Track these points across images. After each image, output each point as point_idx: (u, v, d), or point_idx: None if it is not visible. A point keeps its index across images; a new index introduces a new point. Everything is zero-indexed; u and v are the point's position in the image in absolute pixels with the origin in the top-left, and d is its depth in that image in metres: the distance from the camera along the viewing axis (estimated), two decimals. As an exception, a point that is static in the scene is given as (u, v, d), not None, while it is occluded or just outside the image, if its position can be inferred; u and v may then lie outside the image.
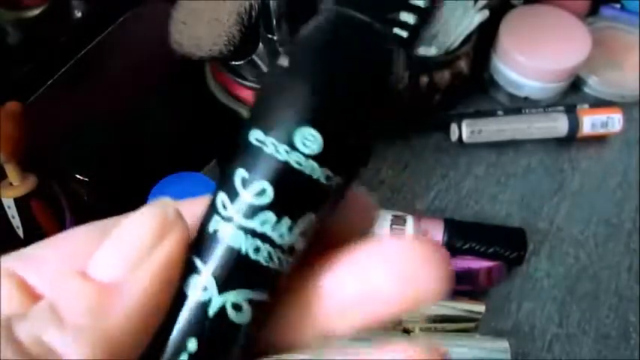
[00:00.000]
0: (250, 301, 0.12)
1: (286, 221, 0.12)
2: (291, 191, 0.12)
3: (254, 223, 0.12)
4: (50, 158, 0.38)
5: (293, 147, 0.12)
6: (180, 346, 0.12)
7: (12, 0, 0.43)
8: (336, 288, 0.13)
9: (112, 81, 0.40)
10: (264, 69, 0.38)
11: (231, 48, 0.33)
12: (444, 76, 0.51)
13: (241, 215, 0.12)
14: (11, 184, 0.39)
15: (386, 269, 0.12)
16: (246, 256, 0.12)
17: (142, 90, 0.39)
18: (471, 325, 0.45)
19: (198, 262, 0.12)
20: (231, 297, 0.12)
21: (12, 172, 0.38)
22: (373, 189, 0.50)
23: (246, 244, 0.12)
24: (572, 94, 0.56)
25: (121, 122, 0.38)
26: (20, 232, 0.41)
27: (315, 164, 0.12)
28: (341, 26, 0.12)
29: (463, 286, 0.46)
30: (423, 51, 0.48)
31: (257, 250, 0.12)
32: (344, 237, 0.13)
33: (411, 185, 0.52)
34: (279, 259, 0.12)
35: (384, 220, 0.47)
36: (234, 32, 0.33)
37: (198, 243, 0.12)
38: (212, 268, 0.12)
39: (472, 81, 0.53)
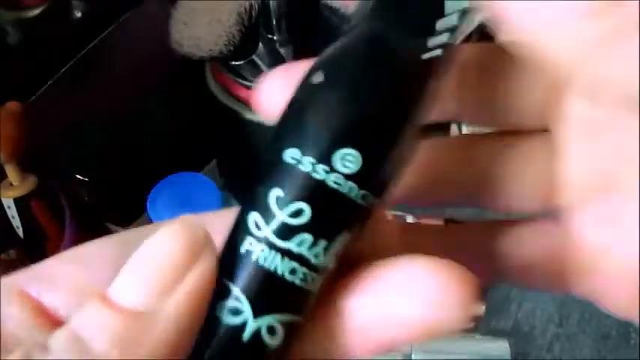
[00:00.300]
0: (284, 324, 0.12)
1: (323, 242, 0.12)
2: (328, 212, 0.12)
3: (290, 244, 0.12)
4: (50, 158, 0.38)
5: (332, 167, 0.12)
6: None
7: (12, 0, 0.43)
8: (358, 309, 0.13)
9: (112, 81, 0.40)
10: (264, 69, 0.39)
11: (231, 48, 0.33)
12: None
13: (277, 236, 0.12)
14: (11, 184, 0.39)
15: (410, 293, 0.12)
16: (282, 277, 0.12)
17: (142, 90, 0.39)
18: (471, 325, 0.44)
19: (230, 285, 0.12)
20: (267, 320, 0.12)
21: (12, 172, 0.38)
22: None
23: (282, 266, 0.12)
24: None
25: (121, 122, 0.38)
26: (20, 232, 0.41)
27: (353, 184, 0.12)
28: (378, 43, 0.12)
29: (463, 286, 0.46)
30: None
31: (293, 271, 0.12)
32: (367, 255, 0.13)
33: (411, 185, 0.52)
34: (313, 279, 0.12)
35: (384, 220, 0.47)
36: (234, 32, 0.33)
37: (229, 264, 0.12)
38: (246, 291, 0.12)
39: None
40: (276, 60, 0.40)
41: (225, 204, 0.35)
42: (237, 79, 0.39)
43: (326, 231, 0.12)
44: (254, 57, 0.37)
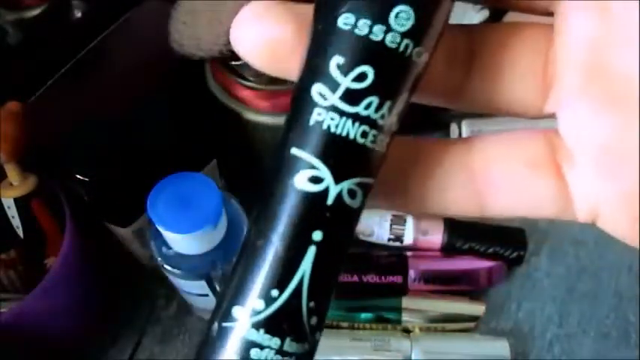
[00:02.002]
0: (361, 185, 0.13)
1: (388, 102, 0.12)
2: (390, 72, 0.12)
3: (359, 109, 0.12)
4: (50, 158, 0.38)
5: (388, 26, 0.12)
6: (306, 240, 0.12)
7: (12, 0, 0.43)
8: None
9: (112, 81, 0.40)
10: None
11: (232, 48, 0.33)
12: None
13: (344, 102, 0.12)
14: (11, 184, 0.39)
15: None
16: (354, 141, 0.12)
17: (142, 90, 0.39)
18: (471, 325, 0.45)
19: (307, 157, 0.12)
20: (347, 184, 0.12)
21: (12, 172, 0.38)
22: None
23: (353, 130, 0.12)
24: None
25: (121, 122, 0.38)
26: (20, 232, 0.41)
27: (409, 41, 0.12)
28: None
29: (463, 286, 0.46)
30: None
31: (364, 134, 0.12)
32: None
33: (411, 185, 0.52)
34: (381, 140, 0.13)
35: (383, 221, 0.47)
36: (234, 32, 0.33)
37: (303, 138, 0.12)
38: (324, 159, 0.12)
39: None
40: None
41: (225, 204, 0.35)
42: (237, 79, 0.39)
43: (390, 91, 0.12)
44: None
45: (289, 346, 0.12)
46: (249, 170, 0.49)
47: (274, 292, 0.12)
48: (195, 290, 0.39)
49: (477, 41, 0.14)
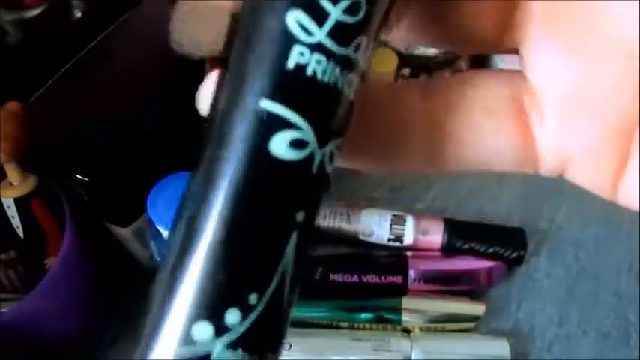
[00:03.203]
0: (339, 147, 0.10)
1: (372, 44, 0.10)
2: (378, 5, 0.10)
3: (349, 50, 0.10)
4: (50, 158, 0.38)
5: None
6: (290, 225, 0.10)
7: (12, 0, 0.43)
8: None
9: (112, 81, 0.40)
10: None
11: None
12: (444, 76, 0.51)
13: (334, 41, 0.09)
14: (11, 184, 0.39)
15: None
16: (341, 92, 0.10)
17: (142, 90, 0.39)
18: (471, 325, 0.45)
19: (287, 114, 0.09)
20: (330, 148, 0.10)
21: (12, 172, 0.38)
22: (373, 189, 0.50)
23: (341, 79, 0.10)
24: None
25: (121, 122, 0.38)
26: (20, 232, 0.41)
27: None
28: None
29: (463, 286, 0.46)
30: (423, 51, 0.48)
31: (350, 84, 0.10)
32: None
33: (411, 185, 0.52)
34: (356, 90, 0.10)
35: (383, 221, 0.47)
36: (234, 32, 0.33)
37: (278, 86, 0.09)
38: (309, 116, 0.09)
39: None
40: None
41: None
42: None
43: (375, 28, 0.10)
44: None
45: None
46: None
47: (253, 297, 0.09)
48: (195, 290, 0.39)
49: None
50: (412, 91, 0.13)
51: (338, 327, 0.44)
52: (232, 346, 0.09)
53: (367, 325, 0.44)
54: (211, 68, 0.42)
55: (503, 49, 0.13)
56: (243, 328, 0.09)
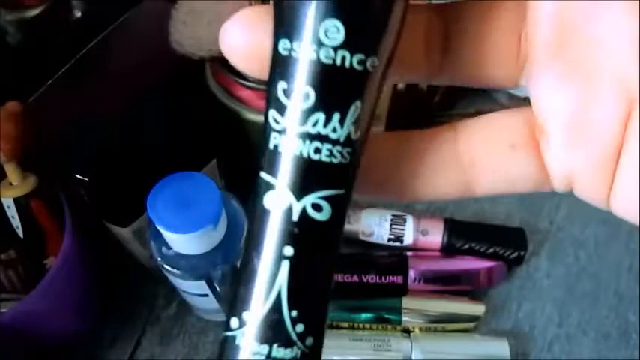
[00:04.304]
0: (327, 198, 0.13)
1: (337, 116, 0.13)
2: (331, 86, 0.13)
3: (307, 127, 0.13)
4: (50, 158, 0.38)
5: (320, 43, 0.12)
6: (279, 256, 0.13)
7: (12, 0, 0.43)
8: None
9: (112, 81, 0.40)
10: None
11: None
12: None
13: (293, 123, 0.13)
14: (11, 184, 0.39)
15: None
16: (309, 158, 0.13)
17: (142, 90, 0.39)
18: (471, 325, 0.45)
19: (270, 179, 0.13)
20: (309, 200, 0.13)
21: (12, 172, 0.38)
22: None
23: (306, 149, 0.13)
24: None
25: (121, 122, 0.38)
26: (20, 232, 0.41)
27: (345, 52, 0.12)
28: None
29: (463, 286, 0.46)
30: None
31: (317, 150, 0.13)
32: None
33: (411, 185, 0.52)
34: (340, 153, 0.13)
35: (383, 221, 0.47)
36: (234, 32, 0.33)
37: (265, 161, 0.13)
38: (283, 179, 0.13)
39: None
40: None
41: (225, 204, 0.35)
42: (237, 79, 0.39)
43: (335, 105, 0.13)
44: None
45: (277, 351, 0.13)
46: (249, 170, 0.49)
47: (257, 305, 0.13)
48: (195, 290, 0.39)
49: (453, 20, 0.15)
50: (440, 135, 0.16)
51: (338, 327, 0.44)
52: (246, 335, 0.13)
53: (367, 325, 0.44)
54: (211, 68, 0.42)
55: (520, 85, 0.15)
56: (252, 324, 0.13)
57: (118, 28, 0.42)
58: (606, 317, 0.47)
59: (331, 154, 0.13)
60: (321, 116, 0.13)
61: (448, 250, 0.47)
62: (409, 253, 0.46)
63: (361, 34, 0.12)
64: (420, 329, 0.44)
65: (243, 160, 0.47)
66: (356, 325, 0.44)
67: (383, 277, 0.45)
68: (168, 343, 0.46)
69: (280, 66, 0.13)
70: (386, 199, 0.16)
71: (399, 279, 0.45)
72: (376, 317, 0.44)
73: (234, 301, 0.14)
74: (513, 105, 0.60)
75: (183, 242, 0.34)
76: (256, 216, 0.13)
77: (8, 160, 0.37)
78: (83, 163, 0.37)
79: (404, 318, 0.43)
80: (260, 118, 0.41)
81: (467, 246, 0.46)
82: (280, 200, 0.13)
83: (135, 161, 0.38)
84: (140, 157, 0.38)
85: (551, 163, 0.15)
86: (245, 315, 0.13)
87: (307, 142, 0.13)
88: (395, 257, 0.46)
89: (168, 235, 0.34)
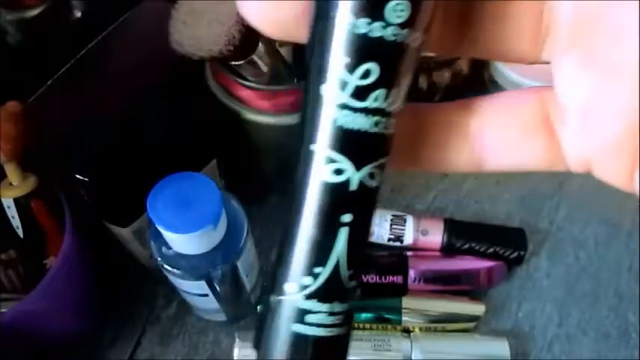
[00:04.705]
0: (378, 166, 0.14)
1: (394, 91, 0.13)
2: (392, 63, 0.13)
3: (368, 102, 0.13)
4: (50, 158, 0.38)
5: (386, 21, 0.12)
6: (338, 223, 0.14)
7: (12, 0, 0.43)
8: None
9: (112, 81, 0.40)
10: (264, 69, 0.38)
11: (231, 48, 0.33)
12: (444, 75, 0.51)
13: (354, 99, 0.13)
14: (11, 184, 0.39)
15: None
16: (367, 132, 0.13)
17: (142, 90, 0.39)
18: (471, 325, 0.45)
19: (328, 152, 0.13)
20: (366, 170, 0.14)
21: (12, 172, 0.38)
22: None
23: (366, 123, 0.13)
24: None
25: (121, 122, 0.38)
26: (20, 232, 0.41)
27: (407, 30, 0.13)
28: None
29: (463, 286, 0.46)
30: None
31: (376, 124, 0.13)
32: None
33: (411, 185, 0.52)
34: (391, 124, 0.14)
35: (383, 221, 0.47)
36: (234, 32, 0.33)
37: (320, 135, 0.13)
38: (344, 152, 0.13)
39: (472, 81, 0.54)
40: (276, 60, 0.40)
41: (225, 204, 0.35)
42: (237, 79, 0.39)
43: (394, 80, 0.13)
44: (254, 57, 0.37)
45: (336, 307, 0.14)
46: (249, 170, 0.49)
47: (318, 269, 0.14)
48: (195, 290, 0.39)
49: None
50: (453, 111, 0.16)
51: (338, 327, 0.44)
52: (308, 297, 0.14)
53: (367, 325, 0.44)
54: (211, 68, 0.42)
55: (540, 61, 0.15)
56: (313, 287, 0.14)
57: (118, 28, 0.42)
58: (606, 317, 0.47)
59: (386, 126, 0.14)
60: (382, 91, 0.13)
61: (448, 250, 0.47)
62: (409, 253, 0.46)
63: (422, 12, 0.13)
64: (420, 329, 0.44)
65: (243, 160, 0.47)
66: (356, 325, 0.44)
67: (383, 277, 0.45)
68: (168, 343, 0.46)
69: (341, 42, 0.13)
70: (401, 169, 0.16)
71: (399, 279, 0.45)
72: (376, 317, 0.44)
73: (287, 267, 0.14)
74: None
75: (183, 242, 0.34)
76: (309, 188, 0.14)
77: (8, 160, 0.37)
78: (83, 163, 0.37)
79: (404, 318, 0.43)
80: (260, 118, 0.41)
81: (467, 246, 0.46)
82: (340, 172, 0.14)
83: (135, 161, 0.38)
84: (140, 157, 0.38)
85: (566, 144, 0.15)
86: (305, 279, 0.14)
87: (369, 116, 0.13)
88: (395, 257, 0.46)
89: (168, 235, 0.34)
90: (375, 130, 0.13)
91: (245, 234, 0.37)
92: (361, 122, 0.13)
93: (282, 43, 0.41)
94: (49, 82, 0.40)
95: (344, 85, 0.13)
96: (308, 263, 0.14)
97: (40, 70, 0.41)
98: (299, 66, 0.42)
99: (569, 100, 0.14)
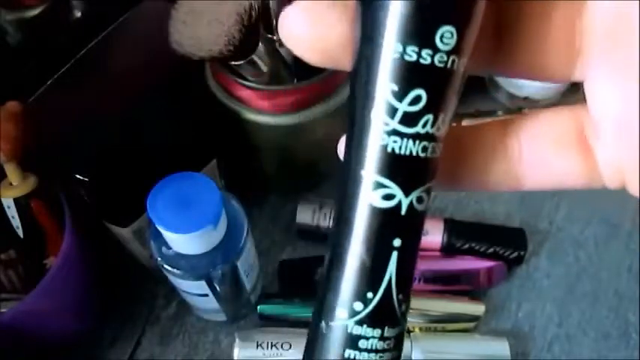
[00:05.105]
0: (426, 191, 0.14)
1: (441, 115, 0.14)
2: (441, 89, 0.13)
3: (417, 128, 0.13)
4: (50, 158, 0.38)
5: (435, 48, 0.13)
6: (389, 248, 0.14)
7: (12, 0, 0.43)
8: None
9: (112, 81, 0.40)
10: (264, 69, 0.38)
11: (231, 48, 0.33)
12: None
13: (403, 125, 0.13)
14: (11, 184, 0.39)
15: None
16: (417, 157, 0.14)
17: (142, 90, 0.39)
18: (471, 325, 0.45)
19: (378, 178, 0.14)
20: (415, 194, 0.14)
21: (12, 172, 0.38)
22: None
23: (415, 148, 0.13)
24: (572, 93, 0.56)
25: (121, 122, 0.38)
26: (20, 232, 0.41)
27: (455, 57, 0.13)
28: None
29: (463, 286, 0.46)
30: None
31: (425, 149, 0.14)
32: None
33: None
34: (438, 148, 0.14)
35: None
36: (234, 32, 0.33)
37: (370, 161, 0.14)
38: (393, 177, 0.14)
39: (472, 81, 0.53)
40: (276, 60, 0.40)
41: (225, 204, 0.35)
42: (237, 79, 0.39)
43: (442, 106, 0.14)
44: (254, 57, 0.37)
45: (388, 332, 0.14)
46: (249, 170, 0.49)
47: (369, 295, 0.14)
48: (195, 290, 0.39)
49: (506, 11, 0.15)
50: (491, 131, 0.16)
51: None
52: (359, 323, 0.14)
53: (367, 325, 0.44)
54: (211, 68, 0.42)
55: (572, 80, 0.15)
56: (365, 313, 0.14)
57: (118, 28, 0.42)
58: (606, 317, 0.47)
59: (433, 151, 0.14)
60: (430, 117, 0.13)
61: (448, 250, 0.47)
62: (409, 253, 0.46)
63: (469, 38, 0.13)
64: (420, 329, 0.44)
65: (243, 160, 0.47)
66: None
67: (383, 277, 0.45)
68: (168, 343, 0.46)
69: (390, 69, 0.13)
70: (442, 189, 0.16)
71: (399, 279, 0.45)
72: (376, 317, 0.44)
73: (337, 293, 0.14)
74: (513, 105, 0.60)
75: (183, 242, 0.34)
76: (358, 213, 0.14)
77: (8, 160, 0.37)
78: (83, 163, 0.37)
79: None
80: (260, 118, 0.41)
81: (467, 246, 0.46)
82: (390, 197, 0.14)
83: (135, 161, 0.38)
84: (140, 157, 0.38)
85: (601, 159, 0.15)
86: (356, 305, 0.14)
87: (417, 141, 0.13)
88: (395, 257, 0.46)
89: (168, 235, 0.34)
90: (424, 155, 0.14)
91: (245, 234, 0.37)
92: (410, 148, 0.13)
93: (282, 43, 0.41)
94: (49, 82, 0.40)
95: (393, 111, 0.13)
96: (359, 289, 0.14)
97: (40, 70, 0.41)
98: (299, 66, 0.42)
99: (603, 114, 0.14)
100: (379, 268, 0.14)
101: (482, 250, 0.46)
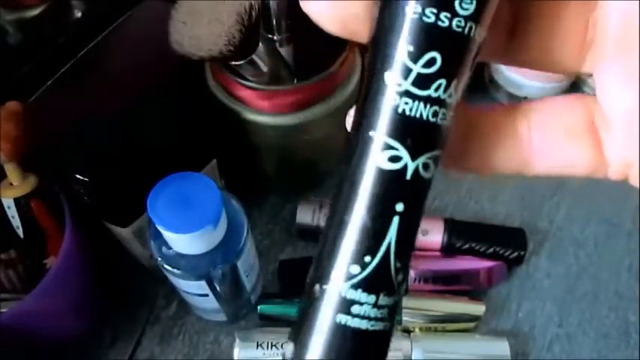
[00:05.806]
0: (433, 158, 0.14)
1: (454, 82, 0.14)
2: (456, 54, 0.13)
3: (429, 91, 0.13)
4: (50, 158, 0.38)
5: (454, 12, 0.13)
6: (391, 212, 0.14)
7: (12, 0, 0.43)
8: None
9: (112, 81, 0.40)
10: (264, 69, 0.38)
11: (231, 48, 0.33)
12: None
13: (416, 87, 0.13)
14: (11, 184, 0.39)
15: None
16: (427, 121, 0.14)
17: (142, 90, 0.39)
18: (471, 325, 0.45)
19: (386, 139, 0.14)
20: (422, 160, 0.14)
21: (12, 172, 0.38)
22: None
23: (426, 112, 0.13)
24: (572, 93, 0.56)
25: (121, 122, 0.38)
26: (20, 232, 0.41)
27: (473, 23, 0.13)
28: None
29: (463, 286, 0.46)
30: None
31: (435, 114, 0.14)
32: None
33: (411, 185, 0.52)
34: (449, 116, 0.14)
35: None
36: (234, 32, 0.33)
37: (379, 122, 0.14)
38: (402, 140, 0.14)
39: (472, 81, 0.53)
40: (276, 60, 0.40)
41: (225, 204, 0.35)
42: (237, 79, 0.39)
43: (456, 72, 0.14)
44: (254, 57, 0.37)
45: (382, 300, 0.14)
46: (249, 170, 0.49)
47: (367, 258, 0.14)
48: (195, 290, 0.39)
49: (520, 4, 0.15)
50: (501, 113, 0.16)
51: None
52: (355, 287, 0.14)
53: (367, 325, 0.44)
54: (211, 68, 0.42)
55: (582, 72, 0.15)
56: (361, 277, 0.14)
57: (118, 28, 0.42)
58: (606, 317, 0.47)
59: (444, 117, 0.14)
60: (443, 82, 0.13)
61: (448, 250, 0.47)
62: (409, 253, 0.46)
63: (487, 7, 0.13)
64: (420, 329, 0.44)
65: (243, 160, 0.47)
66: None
67: (383, 277, 0.45)
68: (168, 343, 0.46)
69: (407, 30, 0.13)
70: (449, 168, 0.16)
71: (399, 279, 0.45)
72: (376, 317, 0.44)
73: (334, 255, 0.14)
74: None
75: (183, 242, 0.34)
76: (363, 174, 0.14)
77: (8, 160, 0.37)
78: (83, 163, 0.37)
79: (404, 318, 0.43)
80: (260, 118, 0.41)
81: (467, 246, 0.46)
82: (397, 160, 0.14)
83: (135, 161, 0.38)
84: (140, 157, 0.38)
85: (609, 150, 0.15)
86: (353, 268, 0.14)
87: (428, 105, 0.13)
88: (395, 257, 0.46)
89: (168, 235, 0.34)
90: (434, 120, 0.14)
91: (245, 234, 0.38)
92: (421, 110, 0.13)
93: (282, 43, 0.41)
94: (49, 82, 0.40)
95: (407, 72, 0.13)
96: (357, 251, 0.14)
97: (40, 70, 0.41)
98: (299, 66, 0.42)
99: (614, 109, 0.14)
100: (380, 232, 0.14)
101: (482, 250, 0.46)
